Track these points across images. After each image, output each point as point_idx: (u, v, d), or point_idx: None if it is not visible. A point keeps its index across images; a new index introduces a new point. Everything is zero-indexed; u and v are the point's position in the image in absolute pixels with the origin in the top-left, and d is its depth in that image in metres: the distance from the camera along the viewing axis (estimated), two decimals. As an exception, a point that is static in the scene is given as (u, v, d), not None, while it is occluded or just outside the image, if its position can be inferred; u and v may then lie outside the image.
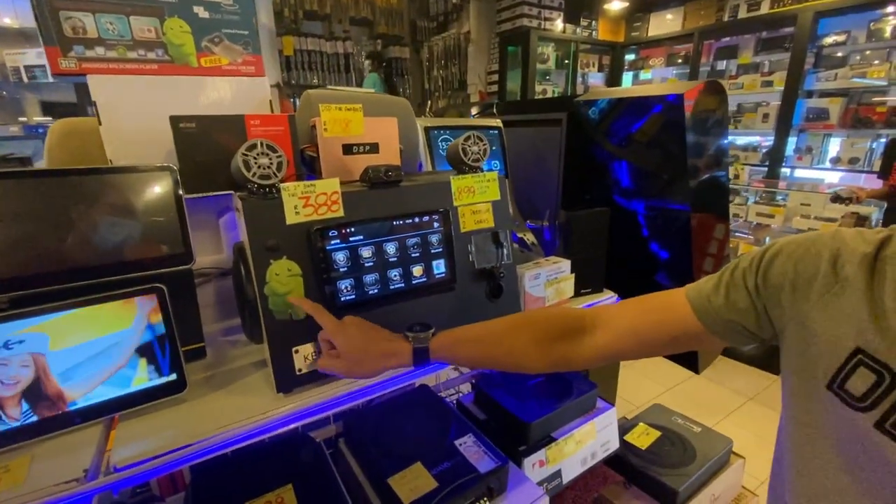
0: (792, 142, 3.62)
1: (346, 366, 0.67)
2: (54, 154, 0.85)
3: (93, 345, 0.62)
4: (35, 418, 0.59)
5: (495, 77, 4.35)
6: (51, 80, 2.93)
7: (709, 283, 0.59)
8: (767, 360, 2.75)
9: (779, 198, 3.45)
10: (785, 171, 3.68)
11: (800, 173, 3.74)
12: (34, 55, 2.96)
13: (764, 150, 3.81)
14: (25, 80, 3.00)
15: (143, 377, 0.66)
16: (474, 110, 1.81)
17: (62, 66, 0.76)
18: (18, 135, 3.11)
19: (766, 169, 3.69)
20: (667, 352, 0.65)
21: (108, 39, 0.78)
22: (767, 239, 3.45)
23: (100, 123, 0.78)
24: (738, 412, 2.49)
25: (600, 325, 0.66)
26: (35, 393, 0.59)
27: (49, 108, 3.21)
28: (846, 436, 0.47)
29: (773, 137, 3.62)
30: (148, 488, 1.03)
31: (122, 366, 0.64)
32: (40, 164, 3.19)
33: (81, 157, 0.84)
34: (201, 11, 0.84)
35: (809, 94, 3.56)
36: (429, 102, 4.68)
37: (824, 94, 3.49)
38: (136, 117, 0.80)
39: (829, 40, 3.45)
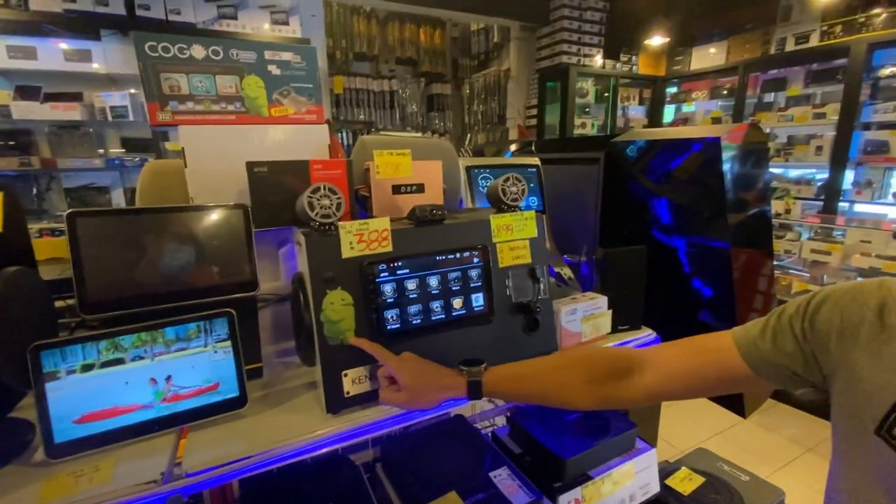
0: (849, 175, 3.45)
1: (407, 399, 0.73)
2: (146, 191, 0.97)
3: (171, 361, 0.71)
4: (121, 424, 0.67)
5: (534, 111, 4.45)
6: (131, 119, 3.28)
7: (756, 326, 0.61)
8: (825, 407, 2.55)
9: (836, 234, 3.28)
10: (843, 205, 3.50)
11: (860, 208, 3.54)
12: (119, 97, 3.34)
13: (819, 184, 3.65)
14: (110, 118, 3.37)
15: (211, 392, 0.73)
16: (513, 147, 1.88)
17: (159, 118, 0.89)
18: (100, 167, 3.46)
19: (821, 203, 3.52)
20: (714, 394, 0.67)
21: (197, 95, 0.91)
22: (825, 277, 3.26)
23: (185, 166, 0.90)
24: (794, 463, 2.32)
25: (648, 366, 0.68)
26: (122, 400, 0.68)
27: (126, 143, 3.58)
28: (894, 481, 0.47)
29: (828, 170, 3.47)
30: (200, 500, 1.10)
31: (195, 381, 0.72)
32: (117, 192, 3.53)
33: (167, 194, 0.96)
34: (274, 69, 0.96)
35: (867, 126, 3.40)
36: (468, 136, 4.83)
37: (883, 125, 3.33)
38: (215, 161, 0.92)
39: (885, 72, 3.31)
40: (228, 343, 0.74)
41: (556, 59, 4.15)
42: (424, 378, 0.74)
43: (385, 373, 0.75)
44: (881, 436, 0.48)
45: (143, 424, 0.69)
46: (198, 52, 0.89)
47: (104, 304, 0.72)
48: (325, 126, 1.02)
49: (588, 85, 4.36)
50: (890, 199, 3.33)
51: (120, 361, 0.68)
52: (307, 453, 0.69)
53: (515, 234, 0.90)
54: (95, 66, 3.25)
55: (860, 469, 0.51)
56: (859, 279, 0.56)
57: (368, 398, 0.76)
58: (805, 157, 3.67)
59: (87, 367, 0.66)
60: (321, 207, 0.73)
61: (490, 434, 1.38)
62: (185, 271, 0.77)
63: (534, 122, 4.43)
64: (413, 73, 4.72)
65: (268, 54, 0.95)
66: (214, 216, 0.80)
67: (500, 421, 1.56)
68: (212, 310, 0.75)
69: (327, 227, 0.74)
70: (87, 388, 0.66)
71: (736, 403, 1.32)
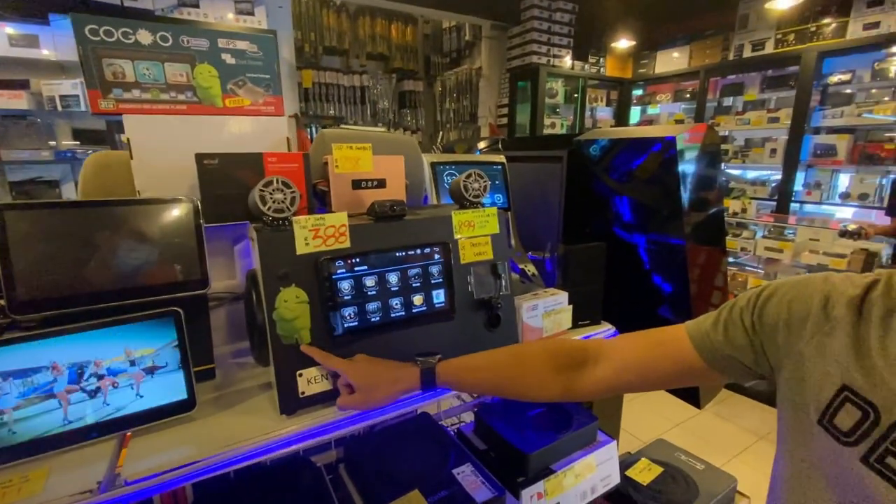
0: (801, 177, 3.64)
1: (361, 398, 0.72)
2: (88, 184, 0.92)
3: (112, 363, 0.67)
4: (53, 431, 0.63)
5: (505, 110, 4.48)
6: (83, 108, 3.11)
7: (708, 319, 0.63)
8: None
9: (788, 232, 3.45)
10: (795, 206, 3.68)
11: (810, 208, 3.74)
12: (69, 86, 3.15)
13: (773, 185, 3.83)
14: (60, 108, 3.18)
15: (155, 396, 0.69)
16: (482, 145, 1.88)
17: (101, 106, 0.84)
18: (49, 159, 3.27)
19: (774, 203, 3.70)
20: (669, 386, 0.68)
21: (144, 83, 0.86)
22: (778, 274, 3.43)
23: (131, 157, 0.85)
24: (748, 451, 2.43)
25: (603, 358, 0.69)
26: (55, 407, 0.63)
27: (79, 135, 3.39)
28: (836, 470, 0.49)
29: (781, 172, 3.64)
30: (151, 507, 1.05)
31: (138, 384, 0.68)
32: (67, 186, 3.34)
33: (112, 187, 0.91)
34: (228, 58, 0.92)
35: (817, 131, 3.60)
36: (440, 134, 4.82)
37: (832, 130, 3.53)
38: (164, 153, 0.88)
39: (834, 79, 3.51)
40: (175, 344, 0.71)
41: (527, 58, 4.19)
42: (375, 375, 0.73)
43: (343, 381, 0.74)
44: (822, 425, 0.50)
45: (80, 431, 0.64)
46: (144, 37, 0.84)
47: (37, 303, 0.67)
48: (284, 118, 0.99)
49: (558, 85, 4.43)
50: (837, 199, 3.54)
51: (53, 365, 0.63)
52: (259, 456, 0.66)
53: (477, 231, 0.90)
54: (44, 53, 3.06)
55: (803, 458, 0.53)
56: (806, 274, 0.58)
57: (324, 398, 0.75)
58: (760, 159, 3.85)
59: (18, 371, 0.61)
60: (274, 202, 0.70)
61: (456, 431, 1.38)
62: (130, 269, 0.73)
63: (505, 120, 4.47)
64: (384, 68, 4.66)
65: (221, 42, 0.91)
66: (161, 210, 0.76)
67: (468, 417, 1.56)
68: (159, 308, 0.71)
69: (280, 222, 0.72)
70: (17, 392, 0.61)
71: (691, 395, 1.37)
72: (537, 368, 0.72)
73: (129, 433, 0.68)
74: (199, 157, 0.80)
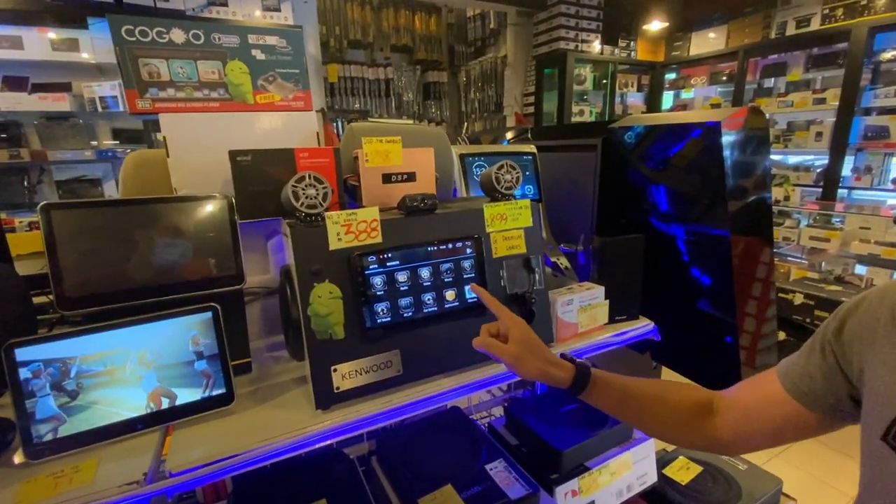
0: (849, 161, 3.42)
1: (515, 353, 0.68)
2: (128, 182, 0.94)
3: (155, 358, 0.68)
4: (103, 423, 0.65)
5: (531, 99, 4.39)
6: (121, 109, 3.22)
7: (797, 352, 0.58)
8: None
9: (835, 220, 3.26)
10: (842, 192, 3.47)
11: (858, 195, 3.52)
12: (108, 87, 3.27)
13: (818, 171, 3.62)
14: (100, 109, 3.31)
15: (197, 389, 0.71)
16: (509, 135, 1.84)
17: (139, 106, 0.86)
18: (91, 159, 3.41)
19: (820, 190, 3.50)
20: (785, 439, 0.60)
21: (178, 82, 0.88)
22: (823, 264, 3.25)
23: (168, 156, 0.87)
24: (791, 450, 2.32)
25: (725, 405, 0.64)
26: (103, 399, 0.65)
27: (118, 134, 3.52)
28: None
29: (827, 157, 3.44)
30: (193, 495, 1.09)
31: (179, 378, 0.70)
32: (109, 184, 3.49)
33: (151, 185, 0.93)
34: (258, 54, 0.93)
35: (867, 112, 3.37)
36: (465, 125, 4.78)
37: (884, 111, 3.30)
38: (198, 150, 0.89)
39: (886, 55, 3.27)
40: (214, 339, 0.72)
41: (554, 45, 4.08)
42: (535, 344, 0.70)
43: (490, 328, 0.72)
44: (887, 441, 0.46)
45: (127, 423, 0.67)
46: (177, 36, 0.85)
47: (82, 299, 0.70)
48: (314, 113, 0.99)
49: (586, 71, 4.30)
50: (889, 185, 3.31)
51: (100, 358, 0.65)
52: (295, 451, 0.67)
53: (510, 224, 0.88)
54: (84, 56, 3.18)
55: (868, 478, 0.49)
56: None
57: (359, 393, 0.74)
58: (804, 143, 3.64)
59: (67, 365, 0.63)
60: (306, 197, 0.70)
61: (486, 426, 1.37)
62: (168, 265, 0.75)
63: (531, 109, 4.37)
64: (408, 60, 4.64)
65: (251, 38, 0.91)
66: (197, 208, 0.77)
67: (497, 412, 1.55)
68: (197, 304, 0.73)
69: (313, 218, 0.71)
70: (68, 386, 0.63)
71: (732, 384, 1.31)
72: (681, 410, 0.67)
73: (171, 425, 0.70)
74: (233, 154, 0.80)
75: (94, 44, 3.14)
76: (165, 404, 0.69)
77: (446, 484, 0.98)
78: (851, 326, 0.51)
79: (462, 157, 1.15)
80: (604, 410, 0.71)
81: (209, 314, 0.72)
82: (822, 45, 3.62)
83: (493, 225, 0.86)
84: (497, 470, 1.03)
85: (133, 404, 0.67)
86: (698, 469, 1.28)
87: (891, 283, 0.50)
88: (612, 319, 1.03)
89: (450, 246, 0.82)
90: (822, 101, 3.51)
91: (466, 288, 0.84)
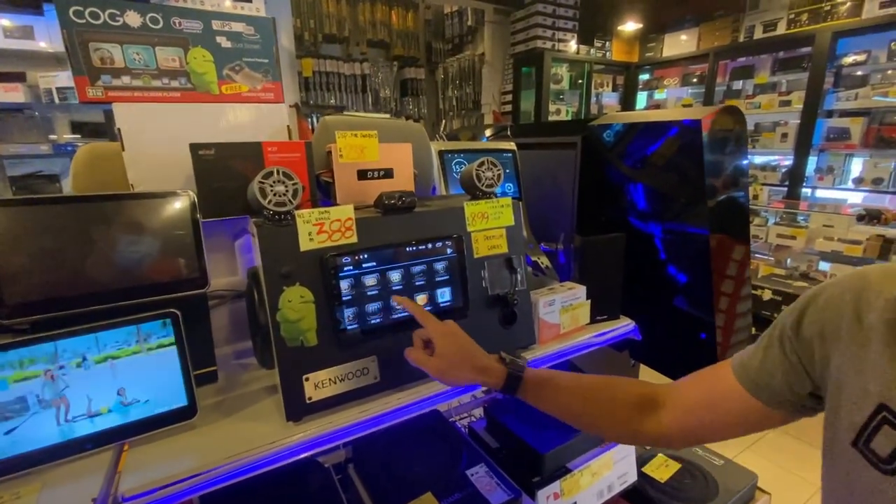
0: (812, 161, 3.55)
1: (439, 367, 0.67)
2: (80, 178, 0.87)
3: (106, 369, 0.63)
4: (46, 443, 0.59)
5: (509, 97, 4.39)
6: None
7: (752, 346, 0.56)
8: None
9: (800, 219, 3.37)
10: (806, 191, 3.60)
11: (821, 193, 3.65)
12: (66, 77, 3.09)
13: (783, 170, 3.75)
14: (57, 101, 3.13)
15: (154, 403, 0.65)
16: (488, 132, 1.82)
17: (89, 94, 0.79)
18: (48, 153, 3.22)
19: (785, 189, 3.62)
20: (738, 432, 0.58)
21: (134, 69, 0.81)
22: (789, 261, 3.37)
23: (123, 149, 0.80)
24: (762, 443, 2.39)
25: (669, 400, 0.62)
26: (47, 417, 0.59)
27: (78, 128, 3.34)
28: (872, 500, 0.43)
29: (792, 157, 3.56)
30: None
31: (134, 391, 0.64)
32: (67, 181, 3.30)
33: (106, 180, 0.86)
34: (224, 41, 0.87)
35: (829, 114, 3.50)
36: (443, 122, 4.74)
37: (845, 113, 3.43)
38: (158, 143, 0.83)
39: (848, 60, 3.40)
40: (173, 347, 0.66)
41: (531, 43, 4.09)
42: (463, 352, 0.68)
43: (422, 335, 0.70)
44: (858, 448, 0.43)
45: (74, 442, 0.61)
46: (133, 19, 0.79)
47: (25, 306, 0.63)
48: (284, 106, 0.93)
49: (563, 71, 4.33)
50: (850, 184, 3.45)
51: (44, 371, 0.59)
52: (263, 467, 0.62)
53: (491, 223, 0.85)
54: (41, 45, 3.00)
55: (838, 484, 0.47)
56: (861, 267, 0.49)
57: (333, 403, 0.70)
58: (771, 144, 3.76)
59: (8, 378, 0.57)
60: (275, 194, 0.65)
61: (467, 428, 1.34)
62: (124, 268, 0.69)
63: (509, 108, 4.38)
64: (385, 56, 4.57)
65: (215, 24, 0.85)
66: (155, 205, 0.71)
67: (477, 412, 1.53)
68: (156, 310, 0.67)
69: (282, 217, 0.67)
70: (5, 401, 0.57)
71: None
72: (619, 404, 0.65)
73: (126, 444, 0.64)
74: (195, 148, 0.75)
75: (51, 31, 2.97)
76: (118, 421, 0.63)
77: (426, 492, 0.94)
78: (811, 321, 0.48)
79: (441, 153, 1.11)
80: (543, 410, 0.69)
81: (168, 321, 0.66)
82: (787, 49, 3.74)
83: (473, 224, 0.83)
84: (478, 475, 1.00)
85: (80, 421, 0.61)
86: (676, 466, 1.29)
87: (848, 276, 0.47)
88: (593, 319, 1.01)
89: (429, 246, 0.78)
90: (788, 103, 3.63)
91: (447, 290, 0.81)
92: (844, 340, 0.45)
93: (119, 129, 0.79)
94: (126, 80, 0.81)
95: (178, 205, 0.72)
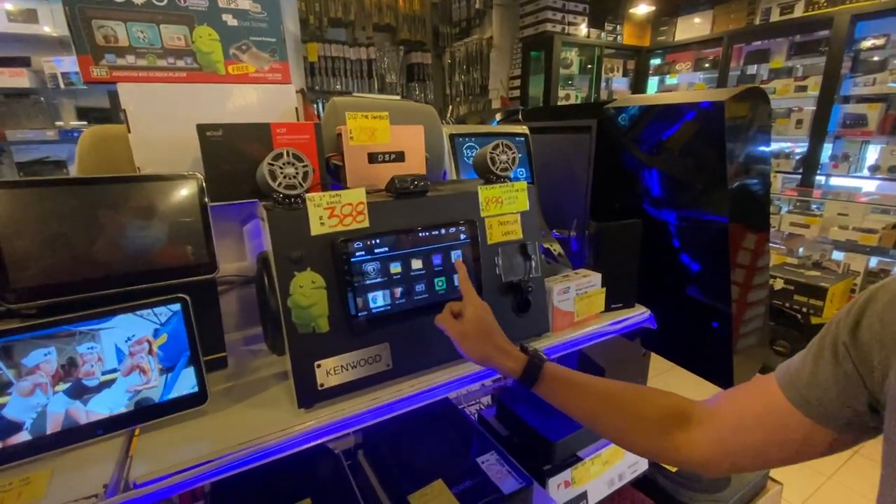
0: (827, 149, 3.47)
1: (462, 332, 0.67)
2: (85, 160, 0.85)
3: (115, 354, 0.62)
4: (57, 429, 0.58)
5: (517, 82, 4.31)
6: (85, 86, 3.03)
7: (798, 355, 0.50)
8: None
9: (814, 207, 3.31)
10: (820, 178, 3.53)
11: (836, 181, 3.58)
12: (70, 62, 3.07)
13: (797, 157, 3.67)
14: (62, 86, 3.10)
15: (164, 388, 0.64)
16: (498, 116, 1.78)
17: (94, 74, 0.76)
18: (55, 139, 3.21)
19: (799, 176, 3.55)
20: (781, 459, 0.51)
21: (139, 48, 0.79)
22: (801, 250, 3.31)
23: (129, 131, 0.78)
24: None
25: (706, 418, 0.56)
26: (57, 402, 0.58)
27: (84, 114, 3.32)
28: None
29: (806, 144, 3.48)
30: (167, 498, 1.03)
31: (145, 376, 0.63)
32: (73, 167, 3.30)
33: (111, 163, 0.84)
34: (230, 19, 0.84)
35: (846, 100, 3.41)
36: (450, 108, 4.67)
37: (862, 99, 3.34)
38: (164, 125, 0.80)
39: (866, 44, 3.30)
40: (183, 333, 0.65)
41: (540, 27, 4.00)
42: (488, 329, 0.68)
43: (454, 307, 0.71)
44: None
45: (84, 428, 0.60)
46: (136, -5, 0.76)
47: (32, 291, 0.62)
48: (292, 87, 0.91)
49: (572, 55, 4.24)
50: (865, 172, 3.38)
51: (50, 356, 0.58)
52: (275, 454, 0.61)
53: (506, 208, 0.82)
54: (45, 29, 2.97)
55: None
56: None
57: (345, 390, 0.69)
58: (785, 130, 3.68)
59: (18, 365, 0.56)
60: (285, 177, 0.63)
61: (476, 416, 1.34)
62: (129, 253, 0.67)
63: (517, 93, 4.30)
64: (392, 40, 4.49)
65: (221, 2, 0.82)
66: (162, 188, 0.69)
67: (487, 401, 1.52)
68: (164, 295, 0.66)
69: (293, 200, 0.65)
70: (17, 387, 0.56)
71: (722, 375, 1.30)
72: (649, 416, 0.59)
73: (136, 430, 0.63)
74: (202, 129, 0.73)
75: (55, 15, 2.93)
76: (128, 407, 0.62)
77: (437, 479, 0.94)
78: (870, 324, 0.43)
79: (452, 137, 1.09)
80: (558, 407, 0.66)
81: (178, 306, 0.65)
82: (804, 33, 3.63)
83: (487, 209, 0.80)
84: (489, 463, 1.00)
85: (91, 407, 0.60)
86: (688, 456, 1.28)
87: None
88: (607, 307, 0.99)
89: (442, 231, 0.76)
90: (804, 88, 3.53)
91: (460, 276, 0.79)
92: None
93: (125, 110, 0.77)
94: (131, 59, 0.78)
95: (186, 188, 0.71)
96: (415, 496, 0.90)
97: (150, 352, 0.63)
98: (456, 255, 0.78)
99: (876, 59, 3.32)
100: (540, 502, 0.98)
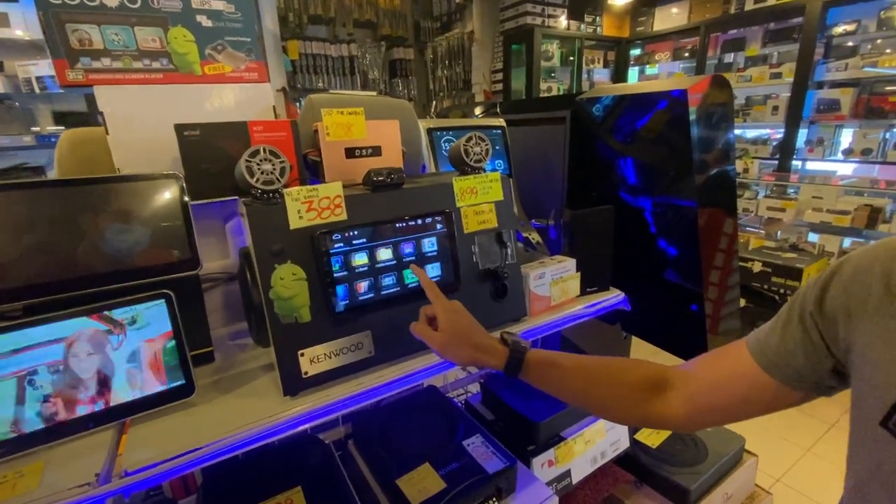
0: (803, 134, 3.56)
1: (442, 342, 0.67)
2: (64, 164, 0.86)
3: (104, 350, 0.63)
4: (49, 423, 0.60)
5: (500, 76, 4.34)
6: (61, 90, 2.98)
7: (768, 323, 0.53)
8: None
9: (790, 191, 3.40)
10: (796, 163, 3.62)
11: (812, 166, 3.67)
12: (46, 66, 3.02)
13: (774, 143, 3.76)
14: (37, 90, 3.06)
15: (152, 382, 0.66)
16: (478, 110, 1.80)
17: (70, 77, 0.77)
18: (31, 144, 3.16)
19: (776, 162, 3.63)
20: (752, 413, 0.56)
21: (114, 50, 0.80)
22: (779, 233, 3.40)
23: (107, 133, 0.80)
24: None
25: (680, 382, 0.60)
26: (48, 398, 0.60)
27: (61, 118, 3.27)
28: None
29: (783, 130, 3.56)
30: (160, 491, 1.05)
31: (133, 371, 0.65)
32: (52, 173, 3.25)
33: (91, 166, 0.85)
34: (204, 20, 0.85)
35: (820, 86, 3.49)
36: (434, 103, 4.68)
37: (835, 84, 3.43)
38: (142, 126, 0.82)
39: (838, 30, 3.38)
40: (168, 327, 0.67)
41: (521, 20, 4.02)
42: (465, 331, 0.68)
43: (428, 311, 0.71)
44: (888, 428, 0.41)
45: (76, 421, 0.62)
46: (109, -2, 0.77)
47: (16, 291, 0.63)
48: (269, 86, 0.92)
49: (553, 48, 4.27)
50: (840, 156, 3.47)
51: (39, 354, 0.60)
52: (262, 440, 0.64)
53: (480, 198, 0.85)
54: (17, 33, 2.92)
55: (864, 465, 0.45)
56: (884, 239, 0.46)
57: (329, 377, 0.72)
58: (762, 117, 3.76)
59: (9, 361, 0.58)
60: (262, 173, 0.65)
61: (463, 403, 1.37)
62: (112, 252, 0.69)
63: (500, 86, 4.33)
64: (373, 36, 4.48)
65: (195, 2, 0.84)
66: (142, 188, 0.71)
67: (474, 388, 1.56)
68: (149, 292, 0.67)
69: (271, 195, 0.67)
70: (11, 383, 0.58)
71: (696, 352, 1.35)
72: (629, 387, 0.62)
73: (127, 422, 0.65)
74: (180, 129, 0.74)
75: (27, 18, 2.88)
76: (118, 400, 0.64)
77: (424, 462, 0.97)
78: (835, 295, 0.45)
79: (430, 131, 1.11)
80: (547, 391, 0.68)
81: (162, 301, 0.67)
82: (778, 20, 3.71)
83: (463, 199, 0.83)
84: (474, 445, 1.03)
85: (83, 401, 0.62)
86: (667, 432, 1.32)
87: (876, 246, 0.45)
88: (583, 291, 1.03)
89: (419, 222, 0.79)
90: (779, 75, 3.61)
91: (438, 265, 0.82)
92: (872, 314, 0.42)
93: (102, 113, 0.78)
94: (106, 62, 0.79)
95: (167, 186, 0.72)
96: (403, 480, 0.93)
97: (137, 347, 0.65)
98: (433, 245, 0.81)
99: (848, 44, 3.41)
100: (524, 481, 1.02)
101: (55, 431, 0.61)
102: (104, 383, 0.63)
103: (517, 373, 0.67)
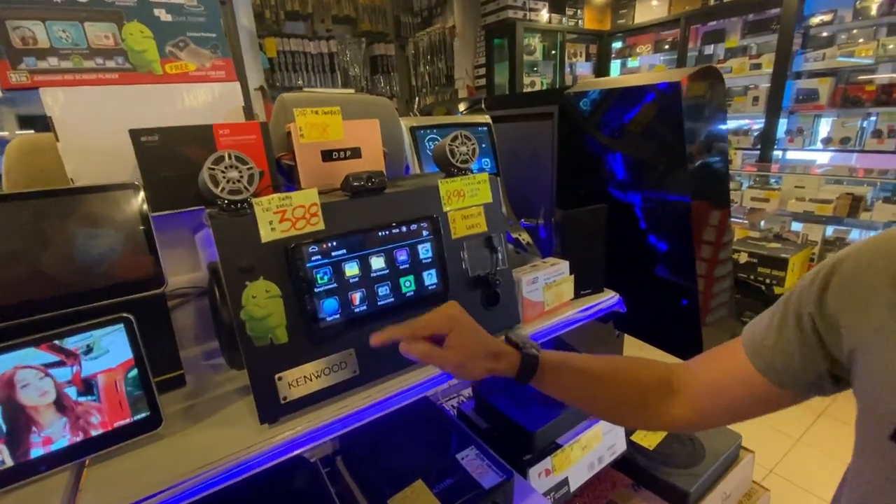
0: (783, 124, 3.60)
1: (456, 362, 0.58)
2: (13, 175, 0.79)
3: (55, 384, 0.57)
4: (-7, 469, 0.54)
5: (483, 71, 4.29)
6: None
7: (762, 320, 0.51)
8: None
9: (772, 181, 3.43)
10: (777, 153, 3.66)
11: (792, 155, 3.72)
12: None
13: (755, 134, 3.79)
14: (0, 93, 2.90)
15: (113, 416, 0.60)
16: (462, 106, 1.75)
17: (12, 80, 0.70)
18: (-6, 151, 3.01)
19: (758, 152, 3.66)
20: (753, 414, 0.54)
21: (62, 49, 0.72)
22: (763, 223, 3.43)
23: (57, 140, 0.72)
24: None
25: (683, 385, 0.58)
26: (-8, 441, 0.54)
27: (28, 123, 3.11)
28: None
29: (763, 120, 3.59)
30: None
31: (90, 405, 0.59)
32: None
33: (44, 177, 0.78)
34: (163, 14, 0.78)
35: (798, 76, 3.53)
36: (416, 99, 4.61)
37: (813, 74, 3.47)
38: (97, 131, 0.75)
39: (815, 20, 3.41)
40: (129, 355, 0.61)
41: (502, 14, 3.98)
42: (476, 342, 0.60)
43: (423, 332, 0.60)
44: None
45: (25, 466, 0.55)
46: (53, -9, 0.70)
47: (-47, 321, 0.56)
48: (237, 85, 0.86)
49: (535, 41, 4.24)
50: (819, 145, 3.51)
51: (-19, 392, 0.53)
52: (240, 474, 0.58)
53: (468, 201, 0.81)
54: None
55: (871, 482, 0.42)
56: (888, 229, 0.44)
57: (312, 400, 0.66)
58: (743, 108, 3.78)
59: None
60: (228, 181, 0.59)
61: (455, 409, 1.33)
62: (66, 273, 0.62)
63: (483, 81, 4.28)
64: (353, 32, 4.38)
65: (152, -5, 0.77)
66: (97, 200, 0.64)
67: (466, 393, 1.51)
68: (109, 314, 0.61)
69: (239, 206, 0.61)
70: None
71: (695, 351, 1.33)
72: (639, 390, 0.60)
73: (87, 461, 0.59)
74: (135, 134, 0.68)
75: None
76: (73, 439, 0.58)
77: (417, 479, 0.92)
78: (836, 292, 0.42)
79: (413, 130, 1.06)
80: (556, 397, 0.63)
81: (121, 326, 0.60)
82: (756, 11, 3.73)
83: (450, 203, 0.78)
84: (469, 458, 0.99)
85: (31, 442, 0.56)
86: (663, 432, 1.30)
87: (879, 239, 0.41)
88: (577, 294, 0.99)
89: (403, 229, 0.73)
90: (758, 66, 3.64)
91: (425, 274, 0.76)
92: (878, 313, 0.39)
93: (50, 118, 0.71)
94: (53, 61, 0.72)
95: (124, 198, 0.66)
96: (395, 499, 0.88)
97: (94, 378, 0.59)
98: (419, 253, 0.75)
99: (825, 34, 3.45)
100: (522, 493, 0.98)
101: (1, 478, 0.54)
102: (57, 421, 0.57)
103: (529, 379, 0.62)
